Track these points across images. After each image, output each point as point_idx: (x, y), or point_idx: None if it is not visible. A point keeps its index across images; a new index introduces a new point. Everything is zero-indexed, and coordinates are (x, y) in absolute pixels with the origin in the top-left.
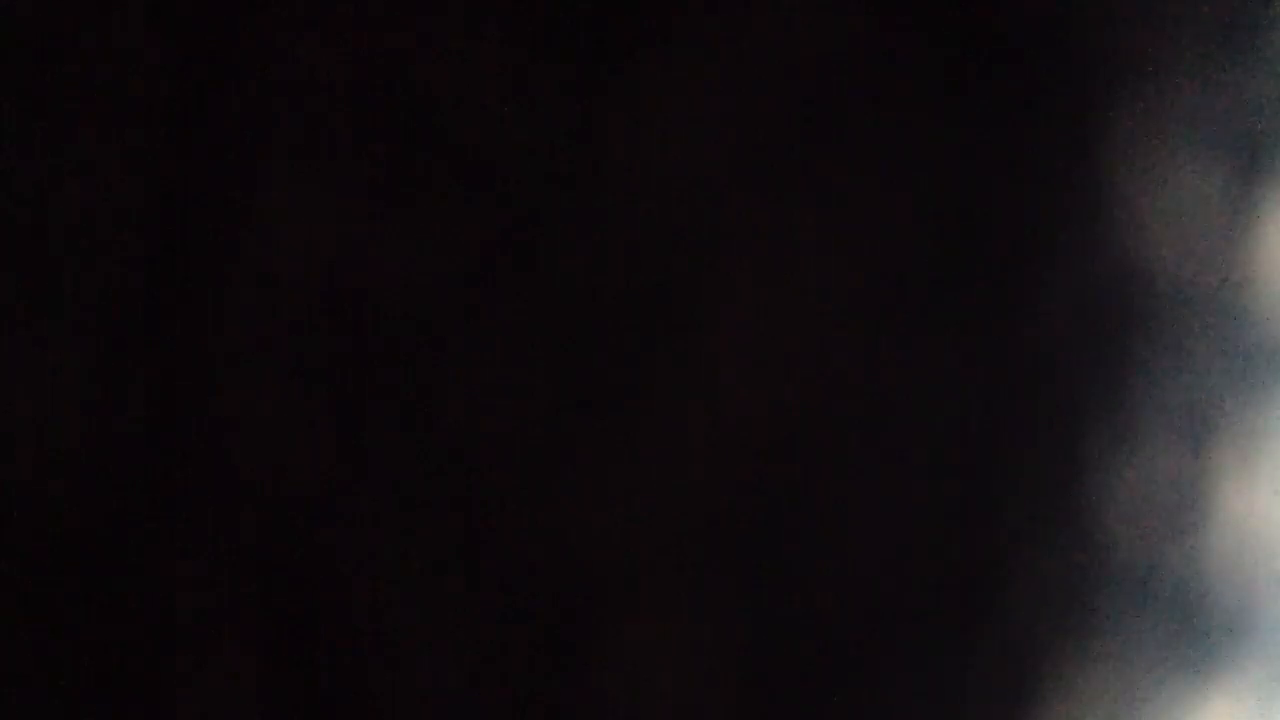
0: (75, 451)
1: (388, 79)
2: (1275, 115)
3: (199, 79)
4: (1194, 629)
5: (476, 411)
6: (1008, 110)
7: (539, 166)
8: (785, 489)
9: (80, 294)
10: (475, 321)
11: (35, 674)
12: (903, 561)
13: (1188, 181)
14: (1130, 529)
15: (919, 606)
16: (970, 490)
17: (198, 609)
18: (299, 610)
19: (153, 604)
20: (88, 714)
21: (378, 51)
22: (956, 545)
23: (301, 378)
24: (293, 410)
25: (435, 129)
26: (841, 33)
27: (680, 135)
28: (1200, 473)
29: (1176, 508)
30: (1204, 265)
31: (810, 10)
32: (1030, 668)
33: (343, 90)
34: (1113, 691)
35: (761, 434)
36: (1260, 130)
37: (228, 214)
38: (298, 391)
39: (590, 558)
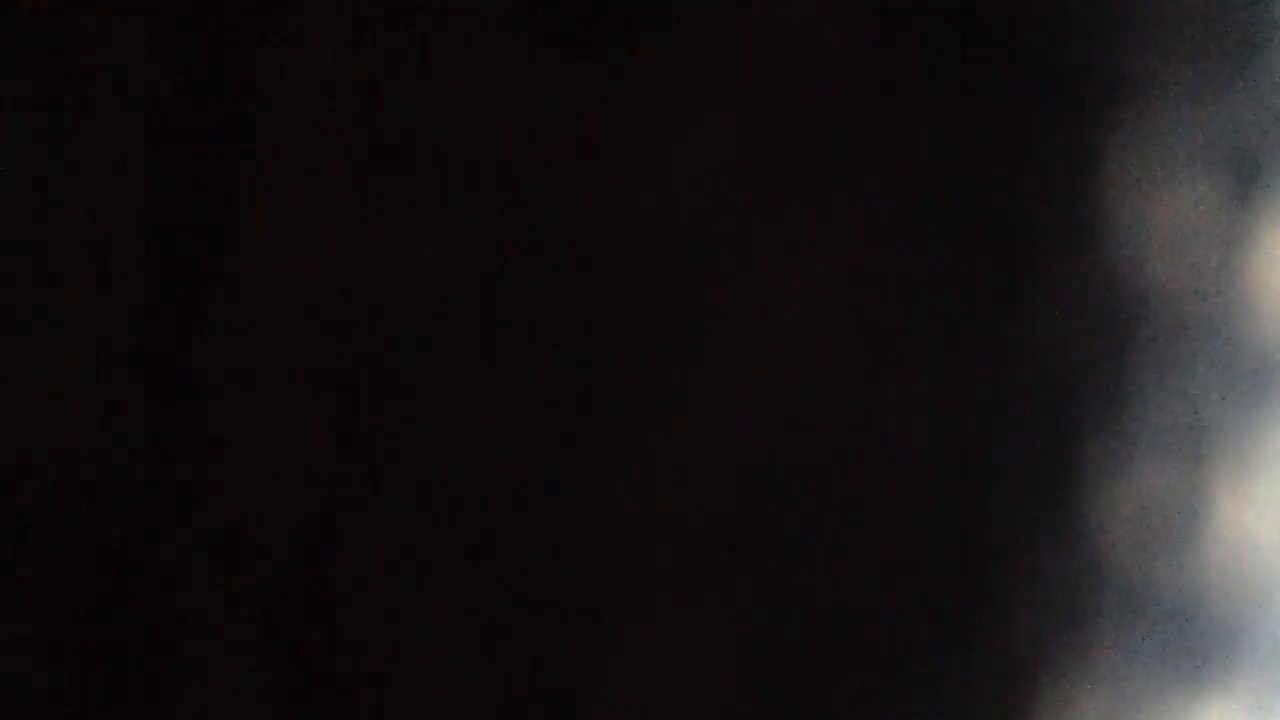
0: (75, 455)
1: (388, 81)
2: (1271, 134)
3: (198, 81)
4: (1189, 641)
5: (479, 417)
6: (1006, 127)
7: (541, 169)
8: (788, 494)
9: (79, 301)
10: (477, 326)
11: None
12: (901, 569)
13: (1184, 199)
14: (1126, 541)
15: (917, 614)
16: (968, 500)
17: (198, 615)
18: (301, 617)
19: (153, 609)
20: (87, 716)
21: (378, 53)
22: (954, 555)
23: (302, 382)
24: (293, 413)
25: (435, 130)
26: (843, 37)
27: (684, 138)
28: (1196, 486)
29: (1173, 520)
30: (1200, 282)
31: (813, 14)
32: (1027, 677)
33: (343, 92)
34: (1108, 702)
35: (764, 439)
36: (1256, 149)
37: (227, 216)
38: (298, 394)
39: (594, 563)
